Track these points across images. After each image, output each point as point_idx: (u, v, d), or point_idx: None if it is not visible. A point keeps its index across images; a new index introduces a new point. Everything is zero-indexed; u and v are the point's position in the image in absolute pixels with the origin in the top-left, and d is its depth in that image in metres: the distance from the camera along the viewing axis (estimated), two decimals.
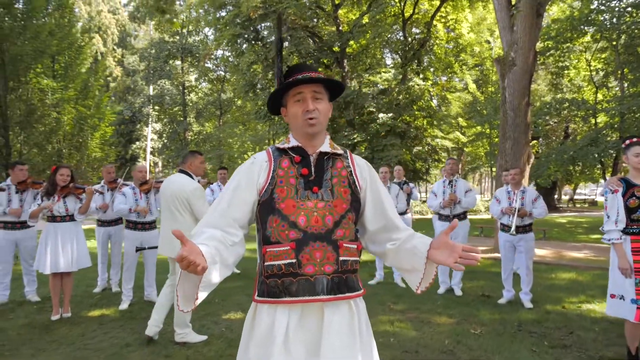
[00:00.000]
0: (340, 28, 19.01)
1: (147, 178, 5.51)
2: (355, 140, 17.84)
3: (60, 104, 9.10)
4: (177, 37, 25.98)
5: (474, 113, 20.20)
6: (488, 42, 21.93)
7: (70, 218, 4.88)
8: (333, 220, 1.63)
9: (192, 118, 27.45)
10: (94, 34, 25.19)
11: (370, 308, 5.09)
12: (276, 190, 1.63)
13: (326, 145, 1.75)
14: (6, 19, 7.49)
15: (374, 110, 18.04)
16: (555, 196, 29.71)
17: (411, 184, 8.05)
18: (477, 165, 31.14)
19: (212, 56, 24.75)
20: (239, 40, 18.43)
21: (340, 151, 1.78)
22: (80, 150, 10.43)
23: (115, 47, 26.14)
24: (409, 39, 19.73)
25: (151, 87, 27.34)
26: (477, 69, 22.66)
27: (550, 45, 16.21)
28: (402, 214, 7.48)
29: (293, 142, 1.74)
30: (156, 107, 27.33)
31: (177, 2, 25.08)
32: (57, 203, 4.79)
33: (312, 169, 1.69)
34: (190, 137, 27.33)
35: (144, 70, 26.36)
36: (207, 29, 23.00)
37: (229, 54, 21.10)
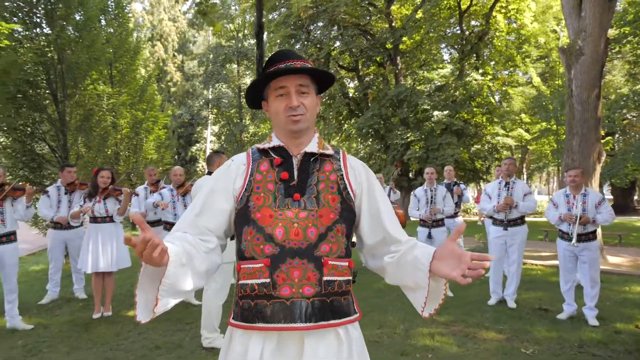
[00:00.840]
0: (393, 24, 18.50)
1: (183, 181, 5.55)
2: (409, 139, 17.26)
3: (117, 109, 9.54)
4: (233, 42, 26.65)
5: (538, 108, 18.81)
6: (554, 31, 20.38)
7: (111, 219, 4.99)
8: (317, 232, 1.38)
9: (247, 120, 28.04)
10: (156, 41, 26.50)
11: (409, 318, 4.72)
12: (252, 197, 1.41)
13: (313, 145, 1.50)
14: (67, 29, 7.95)
15: (429, 107, 17.35)
16: (635, 197, 27.07)
17: (462, 185, 7.55)
18: (543, 165, 29.13)
19: (266, 58, 25.00)
20: (291, 41, 18.49)
21: (330, 151, 1.52)
22: (136, 153, 10.91)
23: (175, 53, 27.31)
24: (467, 32, 18.79)
25: (210, 91, 28.29)
26: (542, 61, 21.13)
27: (626, 32, 14.66)
28: (451, 217, 7.03)
29: (275, 142, 1.51)
30: (214, 110, 28.23)
31: (224, 8, 25.76)
32: (97, 204, 4.91)
33: (295, 172, 1.45)
34: (246, 139, 27.92)
35: (202, 74, 27.31)
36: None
37: None
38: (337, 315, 1.39)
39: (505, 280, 5.54)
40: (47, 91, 7.47)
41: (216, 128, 30.62)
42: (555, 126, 18.27)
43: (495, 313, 5.06)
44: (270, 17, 19.45)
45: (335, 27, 18.21)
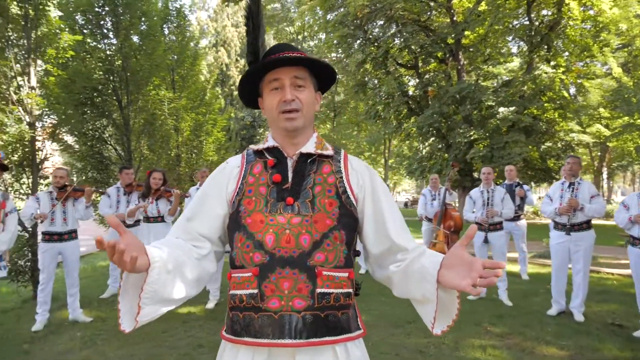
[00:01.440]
0: (455, 18, 17.74)
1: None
2: (472, 138, 16.45)
3: (178, 113, 9.98)
4: (293, 44, 27.02)
5: (619, 102, 17.12)
6: (639, 16, 18.48)
7: (162, 219, 5.18)
8: (311, 240, 1.26)
9: None
10: (220, 47, 27.55)
11: (460, 327, 4.43)
12: (243, 201, 1.32)
13: (310, 145, 1.38)
14: (131, 38, 8.43)
15: (494, 104, 16.42)
16: None
17: (526, 187, 7.02)
18: (627, 163, 26.59)
19: (325, 59, 25.21)
20: (349, 40, 18.34)
21: (329, 152, 1.39)
22: (197, 155, 11.34)
23: (238, 58, 28.18)
24: (536, 23, 17.57)
25: None
26: (624, 50, 19.21)
27: None
28: (512, 220, 6.56)
29: (270, 142, 1.41)
30: None
31: (283, 11, 26.13)
32: (150, 205, 5.12)
33: (289, 174, 1.34)
34: None
35: None
36: (321, 33, 23.40)
37: (342, 55, 21.19)
38: (333, 332, 1.25)
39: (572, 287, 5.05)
40: (113, 98, 7.95)
41: None
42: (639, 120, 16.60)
43: (559, 326, 4.61)
44: (328, 17, 19.44)
45: (394, 25, 17.80)
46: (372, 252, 1.39)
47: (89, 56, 7.74)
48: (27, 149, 5.62)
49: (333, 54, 24.06)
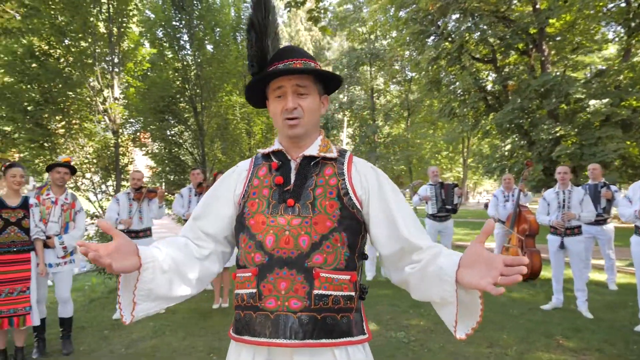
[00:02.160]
0: (538, 6, 16.50)
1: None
2: (558, 134, 15.18)
3: (249, 117, 10.44)
4: (365, 44, 26.99)
5: None
6: None
7: None
8: (310, 241, 1.25)
9: (380, 121, 28.08)
10: None
11: (529, 339, 4.13)
12: (248, 203, 1.35)
13: (314, 148, 1.38)
14: (205, 48, 8.98)
15: (583, 96, 15.01)
16: None
17: (613, 187, 6.33)
18: None
19: (398, 57, 24.78)
20: (421, 37, 17.87)
21: (332, 154, 1.38)
22: None
23: None
24: (634, 4, 15.76)
25: (344, 94, 29.10)
26: None
27: None
28: (596, 223, 5.96)
29: (276, 146, 1.43)
30: (347, 113, 28.95)
31: (355, 12, 26.04)
32: None
33: (292, 177, 1.35)
34: (379, 140, 27.98)
35: None
36: (393, 32, 23.07)
37: (415, 53, 20.71)
38: (331, 335, 1.23)
39: None
40: (189, 105, 8.52)
41: (350, 130, 31.34)
42: None
43: None
44: (400, 14, 19.11)
45: (469, 18, 17.01)
46: (384, 254, 1.34)
47: (166, 66, 8.37)
48: (111, 154, 6.22)
49: (406, 52, 23.59)
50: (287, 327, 1.22)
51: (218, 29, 9.38)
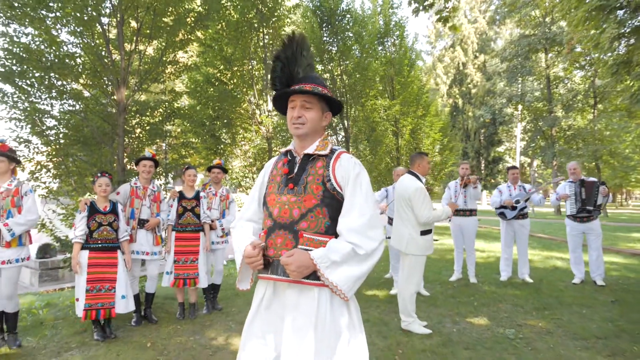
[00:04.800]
0: None
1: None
2: None
3: (395, 118, 10.89)
4: (539, 29, 24.37)
5: None
6: None
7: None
8: (299, 213, 1.79)
9: (559, 112, 24.96)
10: (457, 46, 27.32)
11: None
12: (268, 186, 1.95)
13: (312, 148, 1.90)
14: (351, 58, 9.83)
15: None
16: None
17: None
18: None
19: (580, 39, 21.64)
20: (600, 14, 15.47)
21: (324, 152, 1.88)
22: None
23: (476, 54, 27.29)
24: None
25: (514, 86, 26.83)
26: None
27: None
28: None
29: (290, 146, 1.99)
30: (517, 106, 26.58)
31: None
32: None
33: (295, 168, 1.88)
34: (556, 134, 24.92)
35: (505, 70, 26.22)
36: (570, 11, 20.39)
37: (592, 32, 17.97)
38: (311, 277, 1.72)
39: None
40: None
41: (524, 124, 28.67)
42: None
43: None
44: None
45: None
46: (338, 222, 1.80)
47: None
48: (265, 158, 7.48)
49: (590, 31, 20.53)
50: (279, 268, 1.77)
51: (366, 35, 10.08)
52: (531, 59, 25.28)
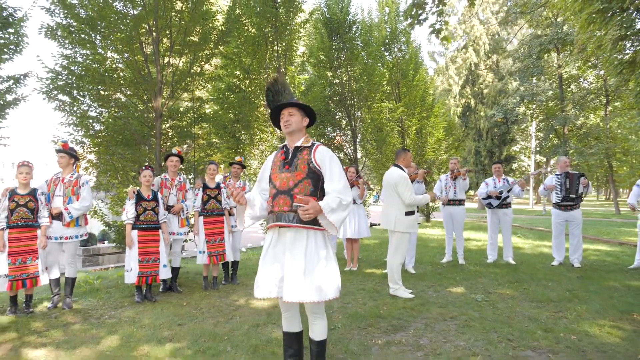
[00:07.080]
0: None
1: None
2: None
3: (399, 119, 11.76)
4: (550, 29, 24.76)
5: None
6: None
7: (354, 202, 6.97)
8: (293, 183, 2.74)
9: (571, 111, 25.29)
10: (469, 47, 27.86)
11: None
12: (272, 169, 2.90)
13: (299, 142, 2.85)
14: (356, 66, 10.75)
15: None
16: None
17: None
18: None
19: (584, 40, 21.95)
20: (604, 15, 15.97)
21: (308, 145, 2.83)
22: (421, 154, 12.85)
23: (489, 55, 27.80)
24: None
25: (526, 86, 27.23)
26: None
27: None
28: None
29: (285, 142, 2.94)
30: (530, 106, 26.97)
31: None
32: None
33: (289, 156, 2.83)
34: (568, 132, 25.24)
35: (517, 70, 26.67)
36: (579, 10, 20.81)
37: (598, 33, 18.41)
38: (304, 223, 2.66)
39: None
40: (342, 112, 10.41)
41: (536, 123, 29.00)
42: None
43: None
44: None
45: None
46: (325, 191, 2.72)
47: (324, 83, 10.44)
48: None
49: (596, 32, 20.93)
50: (282, 217, 2.72)
51: (373, 42, 10.99)
52: (543, 58, 25.67)
